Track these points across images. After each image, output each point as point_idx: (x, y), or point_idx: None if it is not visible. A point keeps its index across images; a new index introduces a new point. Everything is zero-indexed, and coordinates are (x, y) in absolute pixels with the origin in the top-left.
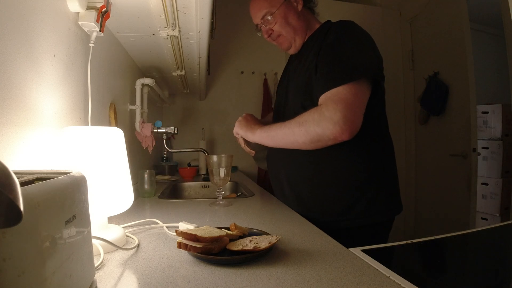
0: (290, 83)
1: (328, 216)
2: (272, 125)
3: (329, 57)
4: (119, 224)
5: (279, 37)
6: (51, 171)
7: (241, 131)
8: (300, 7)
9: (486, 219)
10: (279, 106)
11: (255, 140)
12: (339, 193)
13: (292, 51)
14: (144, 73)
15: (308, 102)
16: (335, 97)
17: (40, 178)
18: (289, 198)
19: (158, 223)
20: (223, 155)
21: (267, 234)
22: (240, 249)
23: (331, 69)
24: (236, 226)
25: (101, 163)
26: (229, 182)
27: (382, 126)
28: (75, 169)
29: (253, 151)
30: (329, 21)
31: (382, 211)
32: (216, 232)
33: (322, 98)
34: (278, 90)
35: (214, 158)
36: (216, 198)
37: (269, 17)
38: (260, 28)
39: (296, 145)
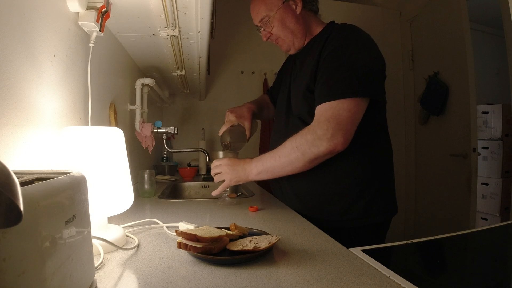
0: (292, 86)
1: (328, 216)
2: (263, 157)
3: (328, 67)
4: (119, 224)
5: (278, 39)
6: (51, 171)
7: (231, 176)
8: (299, 9)
9: (486, 219)
10: (281, 105)
11: (253, 179)
12: (339, 194)
13: (291, 52)
14: (144, 73)
15: (312, 109)
16: (327, 113)
17: (40, 178)
18: (289, 196)
19: (158, 223)
20: (229, 152)
21: (267, 234)
22: (240, 249)
23: (330, 80)
24: (236, 226)
25: (101, 163)
26: None
27: (382, 130)
28: (75, 169)
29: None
30: (332, 22)
31: (381, 212)
32: (216, 232)
33: (317, 110)
34: (281, 88)
35: (220, 154)
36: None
37: (267, 21)
38: (260, 29)
39: (296, 170)
